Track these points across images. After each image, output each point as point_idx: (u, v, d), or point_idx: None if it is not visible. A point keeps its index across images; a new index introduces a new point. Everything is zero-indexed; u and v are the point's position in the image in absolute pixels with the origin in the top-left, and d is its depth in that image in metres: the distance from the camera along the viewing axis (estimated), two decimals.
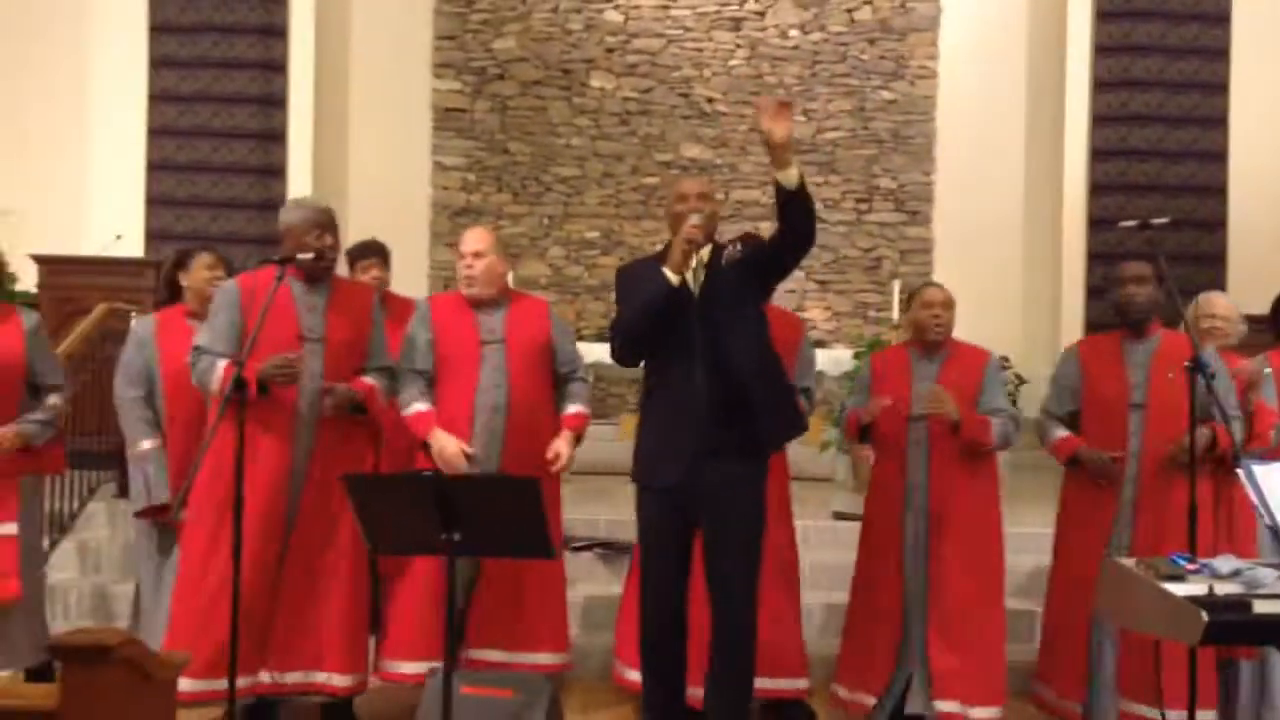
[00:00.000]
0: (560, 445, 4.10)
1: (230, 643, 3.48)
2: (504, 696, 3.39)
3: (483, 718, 3.37)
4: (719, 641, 3.53)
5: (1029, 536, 5.06)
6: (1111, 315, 4.24)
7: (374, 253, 4.78)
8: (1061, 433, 4.17)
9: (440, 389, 4.13)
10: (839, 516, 5.87)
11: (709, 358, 3.46)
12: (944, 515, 4.04)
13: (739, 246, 3.57)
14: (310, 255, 3.85)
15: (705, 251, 3.58)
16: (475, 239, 4.20)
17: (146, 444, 4.23)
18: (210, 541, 3.77)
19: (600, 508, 5.79)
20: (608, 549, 5.41)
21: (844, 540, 4.63)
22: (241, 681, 3.61)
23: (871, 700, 4.06)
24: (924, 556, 4.04)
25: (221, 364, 3.79)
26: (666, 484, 3.49)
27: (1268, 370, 4.29)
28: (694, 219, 3.49)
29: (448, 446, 4.00)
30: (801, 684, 4.19)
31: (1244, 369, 4.15)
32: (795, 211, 3.36)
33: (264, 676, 3.81)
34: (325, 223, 3.95)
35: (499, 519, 3.16)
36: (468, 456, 3.99)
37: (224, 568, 3.61)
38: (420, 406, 4.08)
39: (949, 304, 4.18)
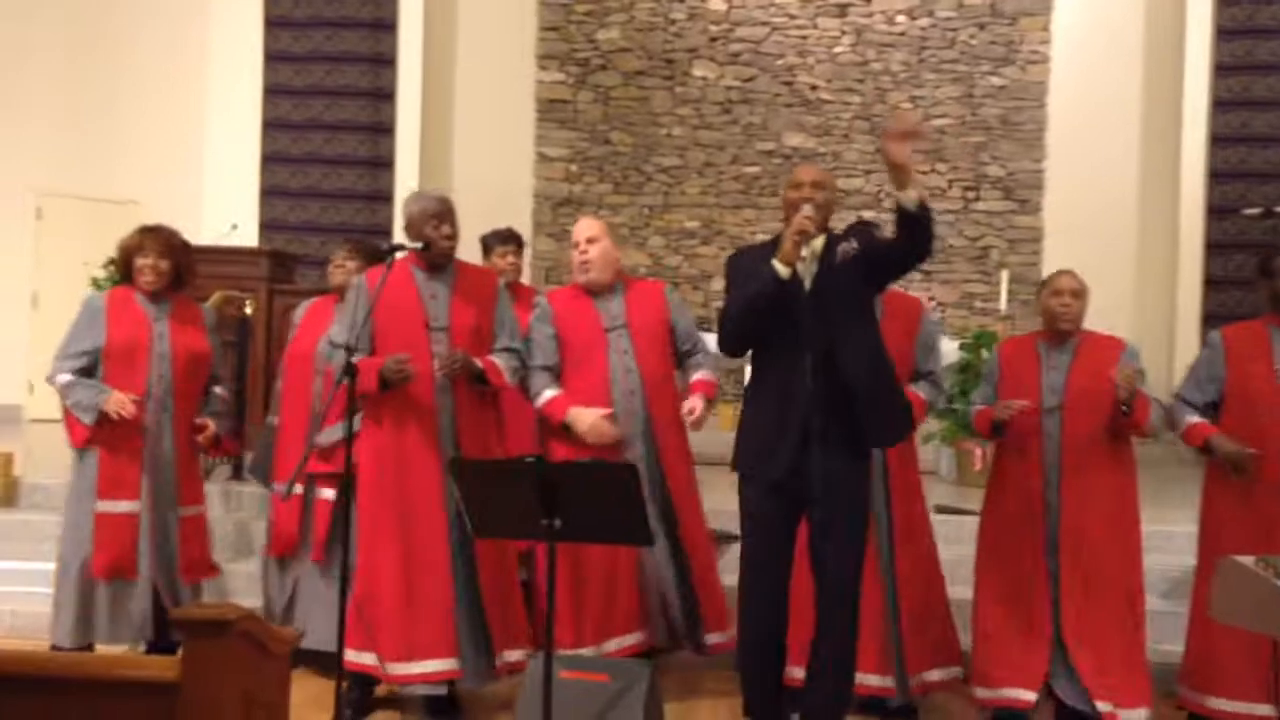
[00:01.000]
0: (695, 400, 4.19)
1: (339, 622, 3.60)
2: (601, 681, 3.42)
3: (581, 702, 3.39)
4: (822, 632, 3.51)
5: (1162, 535, 4.93)
6: (1231, 306, 4.07)
7: (511, 239, 5.01)
8: (1194, 418, 4.02)
9: (572, 380, 4.20)
10: (940, 510, 5.76)
11: (818, 352, 3.43)
12: (1081, 511, 3.92)
13: (854, 243, 3.52)
14: (419, 246, 3.94)
15: (819, 242, 3.54)
16: (587, 227, 4.31)
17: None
18: (388, 533, 3.90)
19: (705, 498, 5.78)
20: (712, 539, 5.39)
21: (942, 534, 4.54)
22: (442, 665, 3.85)
23: (1029, 695, 3.92)
24: (1056, 553, 3.93)
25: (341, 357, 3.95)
26: (773, 476, 3.47)
27: None
28: (806, 209, 3.45)
29: (586, 418, 4.09)
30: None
31: None
32: (913, 230, 3.35)
33: (511, 655, 3.98)
34: (443, 212, 4.04)
35: (599, 506, 3.18)
36: (612, 420, 4.10)
37: (416, 552, 3.85)
38: (551, 393, 4.18)
39: (1079, 292, 4.05)
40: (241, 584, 5.03)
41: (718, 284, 9.08)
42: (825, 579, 3.51)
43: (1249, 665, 3.78)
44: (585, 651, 4.07)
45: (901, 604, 4.11)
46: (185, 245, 4.43)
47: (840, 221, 4.98)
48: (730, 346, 3.64)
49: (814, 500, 3.46)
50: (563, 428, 4.14)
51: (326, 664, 4.00)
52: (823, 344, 3.43)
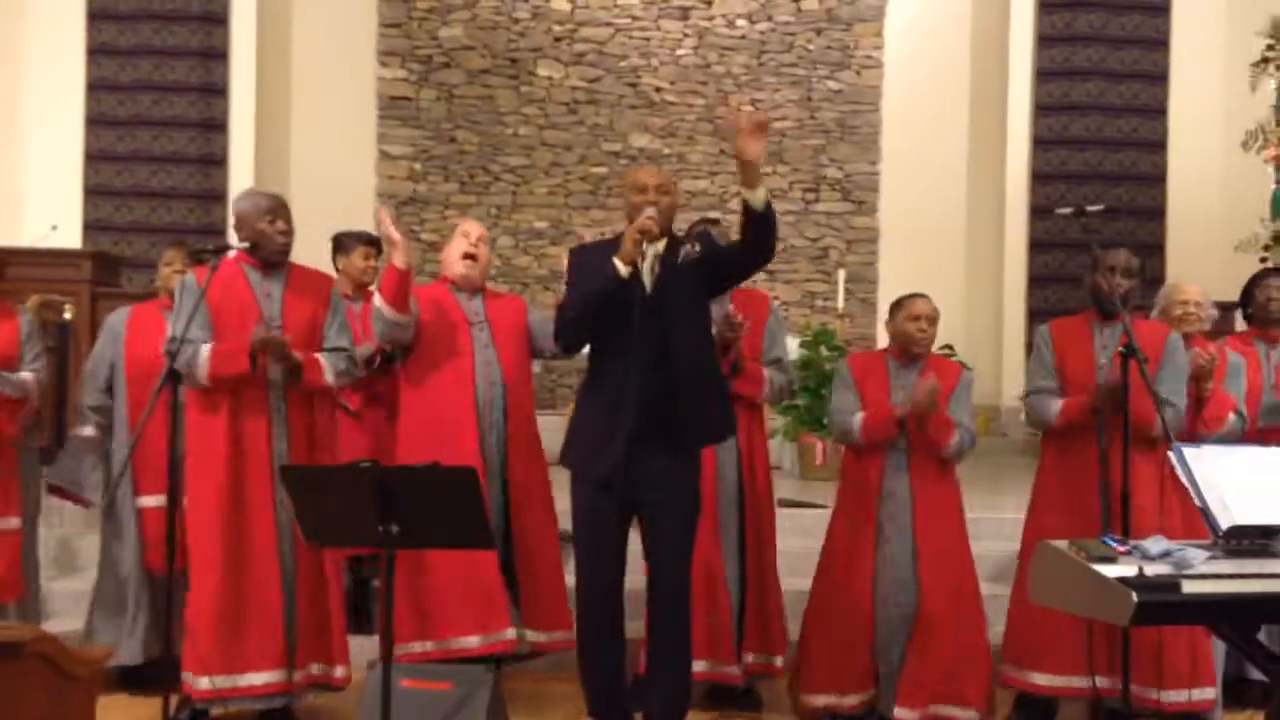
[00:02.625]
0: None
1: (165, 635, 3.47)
2: (444, 689, 3.37)
3: (423, 711, 3.34)
4: (657, 628, 3.54)
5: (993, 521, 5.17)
6: (1054, 302, 4.27)
7: (372, 242, 5.01)
8: (1060, 402, 4.08)
9: (435, 369, 4.15)
10: (784, 503, 5.88)
11: (653, 352, 3.46)
12: (922, 520, 4.04)
13: (696, 247, 3.56)
14: (247, 246, 3.86)
15: (661, 245, 3.57)
16: (478, 228, 4.37)
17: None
18: (223, 536, 3.78)
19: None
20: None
21: (785, 526, 4.64)
22: (271, 676, 3.76)
23: (854, 699, 4.01)
24: (904, 561, 4.02)
25: (205, 349, 3.82)
26: (601, 473, 3.48)
27: (1237, 359, 4.35)
28: (649, 211, 3.49)
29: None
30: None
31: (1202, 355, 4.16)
32: (759, 230, 3.42)
33: (309, 670, 3.86)
34: (276, 208, 3.96)
35: (438, 510, 3.14)
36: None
37: (242, 562, 3.75)
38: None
39: (934, 318, 4.14)
40: (67, 604, 4.80)
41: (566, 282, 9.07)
42: (658, 576, 3.54)
43: (1067, 640, 3.96)
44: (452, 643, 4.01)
45: (748, 596, 4.21)
46: None
47: (683, 221, 5.07)
48: (567, 342, 3.66)
49: (644, 497, 3.49)
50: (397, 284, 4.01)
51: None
52: (657, 345, 3.46)
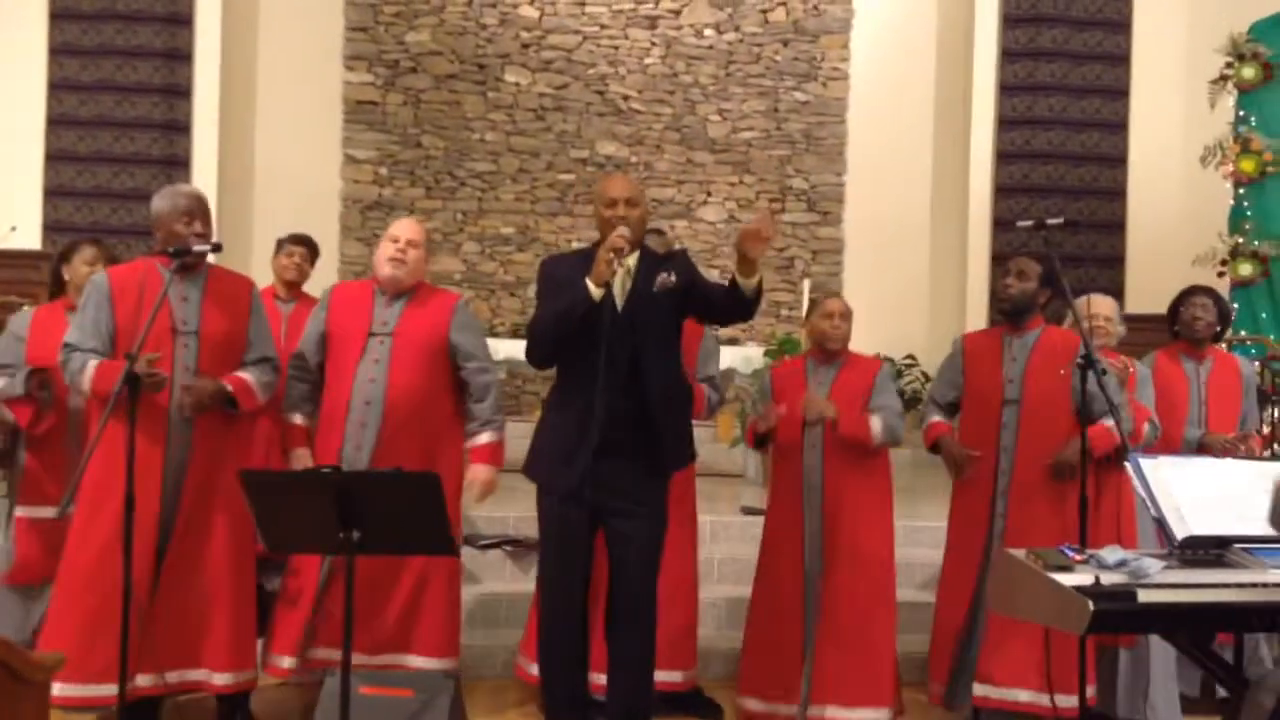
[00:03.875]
0: (478, 471, 4.01)
1: (121, 645, 3.40)
2: (404, 696, 3.35)
3: (382, 718, 3.32)
4: (619, 631, 3.54)
5: (928, 530, 5.17)
6: None
7: (302, 242, 5.06)
8: (935, 417, 4.32)
9: (328, 377, 4.08)
10: (747, 511, 5.91)
11: (620, 370, 3.45)
12: (838, 517, 4.08)
13: (673, 277, 3.54)
14: (207, 248, 3.73)
15: (632, 258, 3.56)
16: (411, 228, 4.18)
17: None
18: (93, 542, 3.66)
19: (510, 505, 5.75)
20: (516, 546, 5.38)
21: (752, 535, 4.67)
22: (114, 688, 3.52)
23: (788, 709, 4.03)
24: (819, 557, 4.07)
25: (93, 363, 3.69)
26: (569, 486, 3.47)
27: (1145, 370, 4.44)
28: (621, 230, 3.46)
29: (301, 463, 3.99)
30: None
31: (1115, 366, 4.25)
32: (745, 303, 3.45)
33: (141, 680, 3.67)
34: (195, 209, 3.80)
35: (400, 516, 3.12)
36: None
37: (108, 569, 3.52)
38: (296, 419, 4.07)
39: (847, 314, 4.24)
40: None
41: (534, 290, 9.06)
42: (622, 589, 3.54)
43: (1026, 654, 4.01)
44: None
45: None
46: None
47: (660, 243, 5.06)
48: (539, 359, 3.63)
49: (611, 509, 3.48)
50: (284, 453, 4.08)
51: None
52: (627, 364, 3.45)
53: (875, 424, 4.09)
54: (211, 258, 3.83)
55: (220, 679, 3.79)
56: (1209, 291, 4.72)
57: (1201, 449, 4.47)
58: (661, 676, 3.97)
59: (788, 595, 4.09)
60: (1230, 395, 4.57)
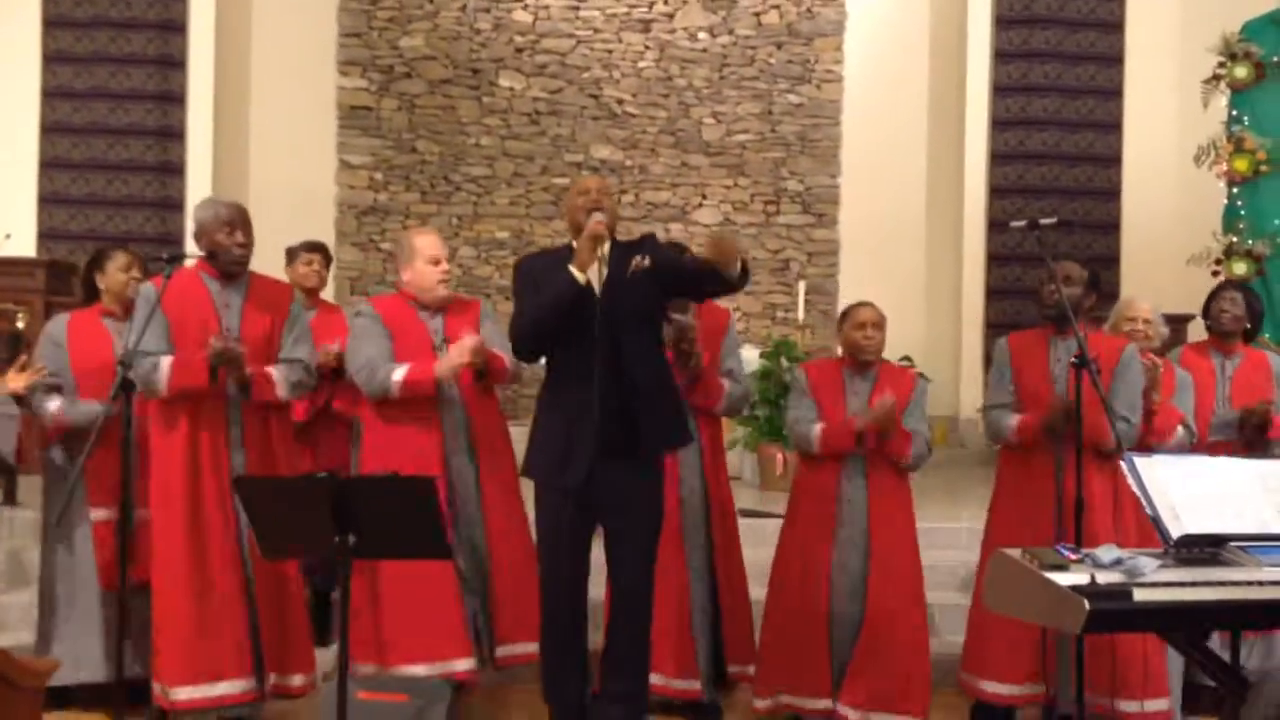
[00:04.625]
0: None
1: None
2: (400, 701, 3.35)
3: None
4: (616, 626, 3.54)
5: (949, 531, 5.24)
6: (1011, 315, 4.32)
7: (317, 249, 5.14)
8: (1016, 417, 4.14)
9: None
10: (744, 514, 5.89)
11: (608, 360, 3.46)
12: (876, 526, 4.07)
13: (646, 260, 3.55)
14: (203, 255, 3.84)
15: (605, 249, 3.57)
16: (443, 246, 4.25)
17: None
18: (187, 549, 3.77)
19: None
20: None
21: (745, 537, 4.64)
22: (242, 685, 3.77)
23: (821, 703, 4.03)
24: (856, 567, 4.06)
25: (166, 361, 3.78)
26: (568, 484, 3.47)
27: (1186, 375, 4.41)
28: (598, 216, 3.49)
29: (456, 351, 3.94)
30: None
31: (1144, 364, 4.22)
32: (730, 283, 3.44)
33: (269, 679, 3.85)
34: (235, 220, 3.92)
35: (396, 520, 3.12)
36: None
37: (206, 573, 3.73)
38: (404, 368, 3.99)
39: (880, 324, 4.19)
40: (16, 616, 4.72)
41: None
42: (618, 586, 3.54)
43: (1022, 650, 4.00)
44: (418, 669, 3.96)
45: (722, 604, 4.23)
46: None
47: (643, 230, 5.07)
48: (525, 352, 3.66)
49: (608, 508, 3.49)
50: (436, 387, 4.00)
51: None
52: (611, 352, 3.46)
53: (912, 450, 4.10)
54: (257, 260, 4.02)
55: (297, 681, 3.91)
56: (1240, 287, 4.79)
57: (1242, 425, 4.44)
58: (668, 683, 4.03)
59: (815, 600, 4.06)
60: (1257, 392, 4.53)
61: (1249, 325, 4.71)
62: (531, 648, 4.06)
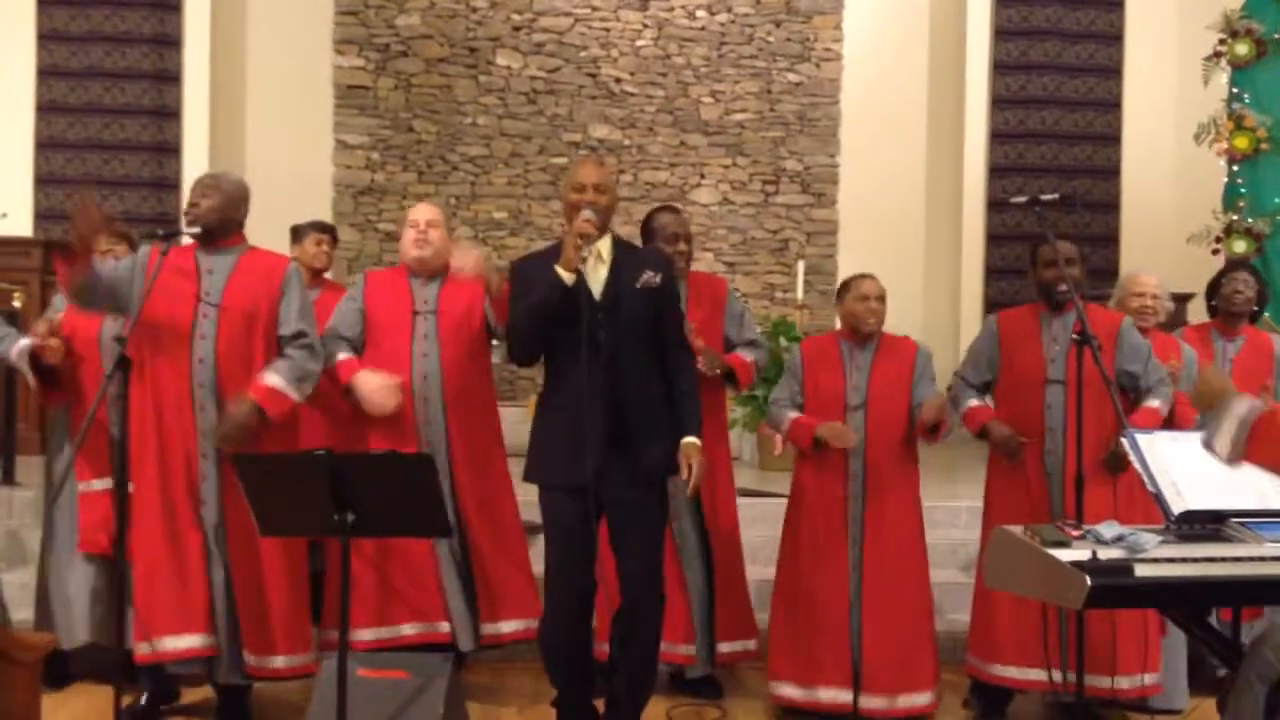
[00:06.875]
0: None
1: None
2: (400, 678, 3.35)
3: (380, 700, 3.31)
4: (629, 628, 3.54)
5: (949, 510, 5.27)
6: (1010, 294, 4.31)
7: (326, 229, 5.19)
8: (974, 401, 4.20)
9: (372, 356, 4.16)
10: (742, 493, 5.88)
11: (609, 358, 3.42)
12: (880, 505, 4.06)
13: (658, 278, 3.54)
14: (198, 231, 3.85)
15: (605, 245, 3.54)
16: (429, 211, 4.32)
17: None
18: (158, 513, 3.80)
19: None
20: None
21: (745, 516, 4.66)
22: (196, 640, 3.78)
23: (843, 694, 4.01)
24: (859, 545, 4.05)
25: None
26: (572, 483, 3.42)
27: (1191, 351, 4.41)
28: (586, 214, 3.44)
29: (368, 382, 4.03)
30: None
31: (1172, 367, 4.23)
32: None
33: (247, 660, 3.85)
34: (196, 186, 3.97)
35: (394, 498, 3.11)
36: (395, 393, 4.06)
37: (176, 536, 3.77)
38: (343, 356, 4.13)
39: (882, 296, 4.17)
40: (16, 594, 4.70)
41: None
42: (628, 581, 3.51)
43: (1026, 633, 4.00)
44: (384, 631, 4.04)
45: (716, 578, 4.25)
46: None
47: (643, 212, 5.03)
48: (519, 355, 3.60)
49: (614, 498, 3.44)
50: (345, 391, 4.11)
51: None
52: (612, 351, 3.43)
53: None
54: (252, 240, 4.03)
55: (278, 663, 3.89)
56: (1250, 268, 4.77)
57: None
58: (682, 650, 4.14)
59: (833, 580, 4.05)
60: (1257, 375, 4.52)
61: (1255, 307, 4.70)
62: (514, 625, 4.13)
